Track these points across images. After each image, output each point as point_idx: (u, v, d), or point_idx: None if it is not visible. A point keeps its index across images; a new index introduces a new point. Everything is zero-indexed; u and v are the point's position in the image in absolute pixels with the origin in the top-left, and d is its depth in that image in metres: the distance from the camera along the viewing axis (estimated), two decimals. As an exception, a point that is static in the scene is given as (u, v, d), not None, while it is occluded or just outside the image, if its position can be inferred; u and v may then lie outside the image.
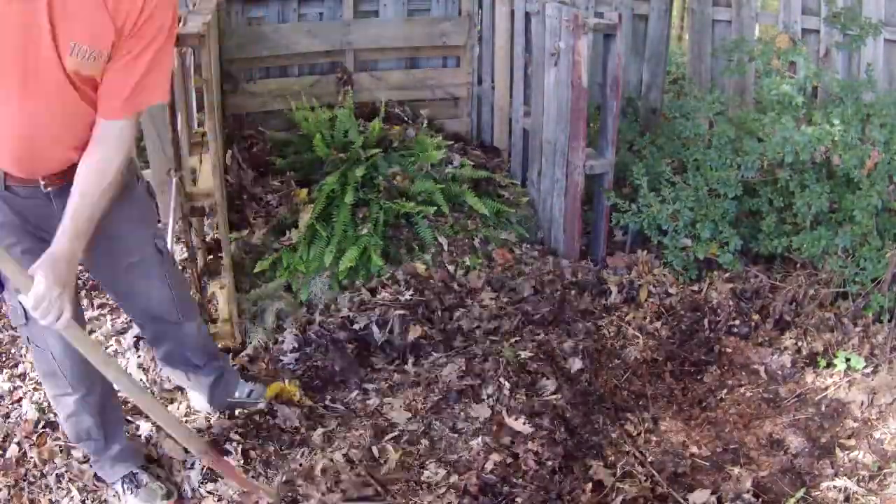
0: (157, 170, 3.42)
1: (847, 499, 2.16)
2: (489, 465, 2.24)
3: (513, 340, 2.80)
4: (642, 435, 2.42)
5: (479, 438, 2.34)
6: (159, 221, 2.23)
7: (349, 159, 3.25)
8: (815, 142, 2.82)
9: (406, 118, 3.74)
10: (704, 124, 3.28)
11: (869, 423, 2.42)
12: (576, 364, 2.67)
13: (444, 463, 2.27)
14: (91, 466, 2.21)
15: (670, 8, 4.00)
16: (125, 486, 2.13)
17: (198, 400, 2.46)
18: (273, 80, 3.68)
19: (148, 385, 2.56)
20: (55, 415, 2.43)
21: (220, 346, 2.70)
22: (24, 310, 1.75)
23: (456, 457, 2.29)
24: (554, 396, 2.51)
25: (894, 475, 2.20)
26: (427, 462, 2.27)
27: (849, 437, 2.39)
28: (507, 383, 2.54)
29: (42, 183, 1.75)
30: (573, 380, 2.62)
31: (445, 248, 3.15)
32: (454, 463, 2.27)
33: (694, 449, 2.37)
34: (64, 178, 1.73)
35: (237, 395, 2.43)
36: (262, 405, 2.42)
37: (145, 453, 2.26)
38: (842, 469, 2.27)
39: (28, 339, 1.94)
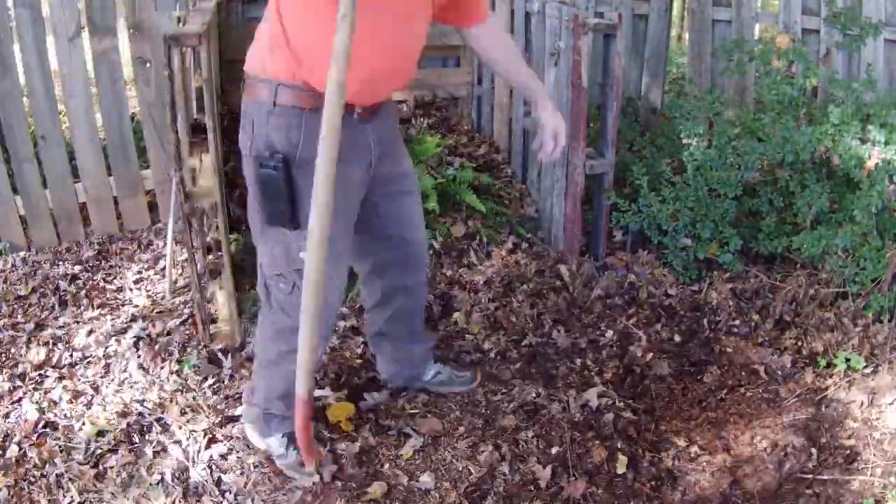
0: (156, 170, 3.42)
1: (849, 499, 2.16)
2: (503, 469, 2.24)
3: (512, 339, 2.80)
4: (642, 435, 2.42)
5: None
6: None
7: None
8: (815, 142, 2.82)
9: (406, 118, 3.74)
10: (704, 124, 3.28)
11: (869, 424, 2.42)
12: (576, 364, 2.68)
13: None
14: (242, 422, 2.32)
15: (670, 8, 4.01)
16: (289, 443, 2.16)
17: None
18: (273, 80, 3.67)
19: (147, 386, 2.56)
20: (61, 416, 2.44)
21: (219, 346, 2.71)
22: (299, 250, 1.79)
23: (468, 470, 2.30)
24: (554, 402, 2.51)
25: (895, 475, 2.20)
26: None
27: (849, 438, 2.39)
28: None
29: (358, 111, 1.85)
30: (574, 380, 2.63)
31: (440, 248, 3.15)
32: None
33: (695, 449, 2.36)
34: (375, 111, 1.89)
35: (426, 377, 2.49)
36: (444, 389, 2.49)
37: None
38: (841, 469, 2.27)
39: (296, 284, 1.87)
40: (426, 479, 2.19)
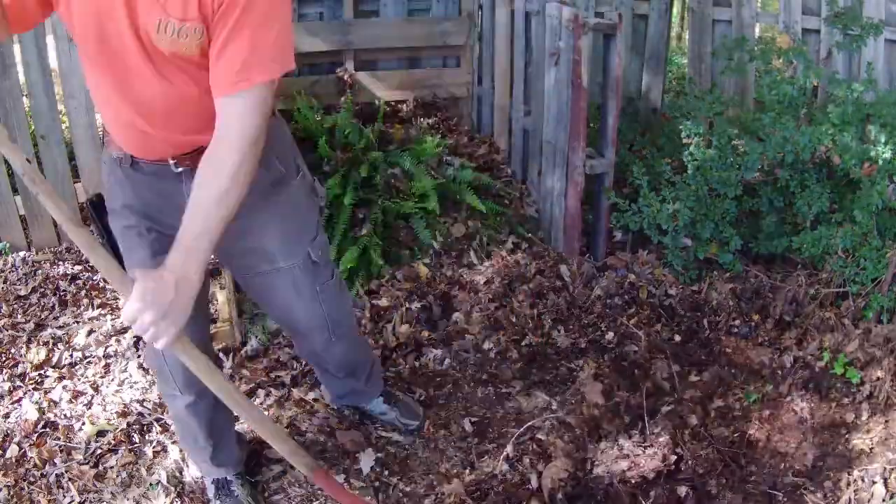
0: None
1: (849, 500, 2.16)
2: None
3: (513, 339, 2.80)
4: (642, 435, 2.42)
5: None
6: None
7: (350, 160, 3.24)
8: (815, 142, 2.82)
9: (406, 118, 3.74)
10: (704, 124, 3.28)
11: (870, 424, 2.42)
12: (576, 364, 2.68)
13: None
14: (183, 461, 2.24)
15: (670, 8, 4.01)
16: (217, 490, 2.09)
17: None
18: (273, 79, 3.67)
19: (147, 386, 2.56)
20: (61, 416, 2.44)
21: (219, 346, 2.71)
22: None
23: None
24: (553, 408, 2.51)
25: (895, 475, 2.20)
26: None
27: (849, 438, 2.39)
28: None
29: (172, 162, 1.60)
30: (573, 380, 2.63)
31: (440, 248, 3.15)
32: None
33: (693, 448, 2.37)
34: (197, 159, 1.46)
35: (370, 409, 2.40)
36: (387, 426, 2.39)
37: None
38: (842, 469, 2.27)
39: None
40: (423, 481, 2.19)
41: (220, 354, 2.67)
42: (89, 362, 2.69)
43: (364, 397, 2.38)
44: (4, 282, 3.16)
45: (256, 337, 2.76)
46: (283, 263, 1.82)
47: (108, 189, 1.74)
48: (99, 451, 2.30)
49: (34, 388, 2.58)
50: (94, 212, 1.82)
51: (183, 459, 2.26)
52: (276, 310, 1.97)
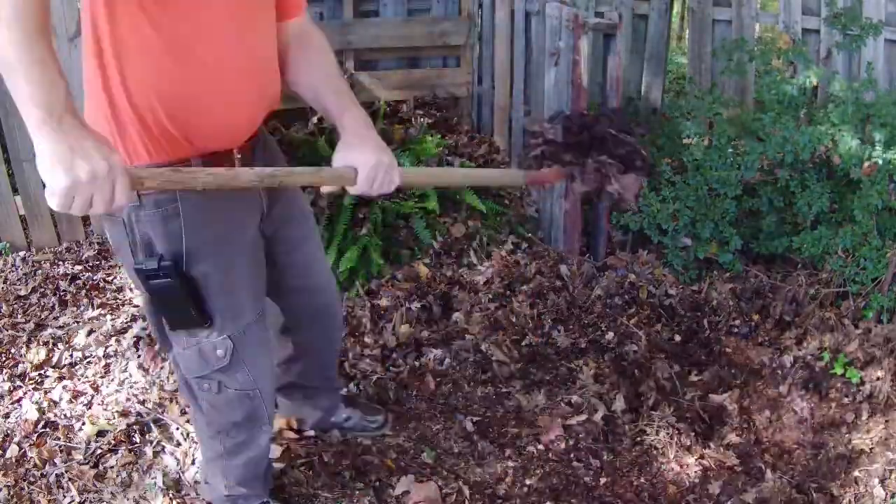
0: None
1: (849, 500, 2.16)
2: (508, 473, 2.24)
3: (512, 339, 2.80)
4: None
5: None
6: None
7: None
8: (815, 142, 2.82)
9: (406, 118, 3.74)
10: (704, 124, 3.28)
11: (870, 424, 2.42)
12: (576, 364, 2.68)
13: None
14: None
15: (670, 8, 4.01)
16: None
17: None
18: (273, 79, 3.67)
19: (147, 386, 2.56)
20: (61, 416, 2.44)
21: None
22: (225, 348, 1.59)
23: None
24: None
25: (895, 475, 2.21)
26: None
27: (849, 438, 2.39)
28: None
29: (237, 155, 1.50)
30: (574, 381, 2.63)
31: (440, 248, 3.15)
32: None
33: (694, 450, 2.37)
34: (250, 143, 1.53)
35: (337, 420, 2.31)
36: (355, 433, 2.33)
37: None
38: (842, 469, 2.27)
39: (221, 383, 1.66)
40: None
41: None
42: (89, 362, 2.69)
43: (334, 407, 2.29)
44: (4, 282, 3.16)
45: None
46: (312, 230, 1.89)
47: (184, 228, 1.48)
48: (99, 451, 2.29)
49: (34, 388, 2.57)
50: (168, 275, 1.49)
51: (187, 458, 2.26)
52: (316, 276, 1.94)
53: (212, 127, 1.42)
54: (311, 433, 2.32)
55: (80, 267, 3.25)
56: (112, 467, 2.24)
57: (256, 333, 1.68)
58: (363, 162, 1.49)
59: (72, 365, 2.69)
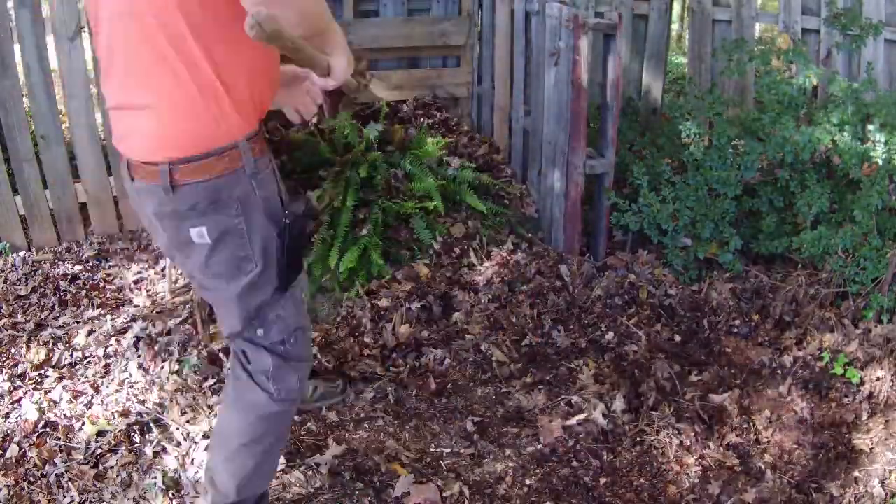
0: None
1: (849, 500, 2.16)
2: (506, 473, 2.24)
3: (513, 339, 2.80)
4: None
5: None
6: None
7: (350, 161, 3.24)
8: (815, 142, 2.82)
9: (406, 118, 3.74)
10: (704, 124, 3.28)
11: (870, 424, 2.42)
12: (576, 364, 2.68)
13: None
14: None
15: (670, 8, 4.01)
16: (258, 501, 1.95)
17: None
18: (273, 80, 3.67)
19: (147, 386, 2.56)
20: (61, 416, 2.44)
21: (219, 346, 2.71)
22: (302, 285, 1.75)
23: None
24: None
25: (895, 475, 2.21)
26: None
27: (849, 438, 2.39)
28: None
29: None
30: (574, 381, 2.63)
31: (440, 249, 3.16)
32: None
33: (694, 450, 2.37)
34: None
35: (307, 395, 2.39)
36: (323, 403, 2.43)
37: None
38: (842, 469, 2.27)
39: (300, 324, 1.78)
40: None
41: (220, 354, 2.68)
42: (89, 362, 2.69)
43: None
44: (4, 282, 3.16)
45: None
46: None
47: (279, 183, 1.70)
48: (99, 451, 2.30)
49: (34, 388, 2.58)
50: (297, 220, 1.68)
51: (187, 458, 2.26)
52: None
53: (270, 96, 1.68)
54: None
55: (80, 267, 3.26)
56: (112, 467, 2.24)
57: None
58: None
59: (72, 365, 2.69)
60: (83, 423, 2.40)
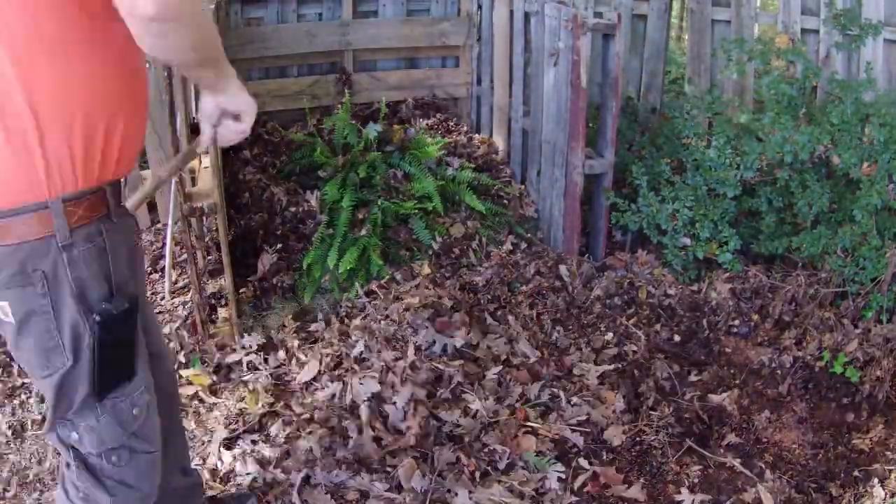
0: (156, 170, 3.42)
1: (849, 500, 2.16)
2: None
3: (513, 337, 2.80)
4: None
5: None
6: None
7: (349, 161, 3.24)
8: (815, 142, 2.82)
9: (405, 118, 3.74)
10: (704, 124, 3.28)
11: (870, 424, 2.42)
12: (575, 363, 2.67)
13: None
14: None
15: (670, 8, 4.01)
16: None
17: None
18: (272, 80, 3.68)
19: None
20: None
21: (220, 344, 2.71)
22: (142, 403, 1.43)
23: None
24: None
25: (895, 475, 2.20)
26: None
27: (849, 438, 2.39)
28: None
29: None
30: (574, 382, 2.63)
31: (439, 249, 3.15)
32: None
33: (694, 450, 2.36)
34: None
35: None
36: None
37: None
38: (842, 469, 2.27)
39: (133, 448, 1.44)
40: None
41: (220, 354, 2.67)
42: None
43: None
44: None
45: (257, 338, 2.76)
46: None
47: (111, 261, 1.35)
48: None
49: (35, 388, 2.57)
50: (122, 313, 1.34)
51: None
52: (161, 341, 1.75)
53: (127, 145, 1.38)
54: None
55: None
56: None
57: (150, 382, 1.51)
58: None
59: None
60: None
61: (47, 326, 1.29)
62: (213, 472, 2.21)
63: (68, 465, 1.44)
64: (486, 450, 2.29)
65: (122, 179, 1.37)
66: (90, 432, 1.39)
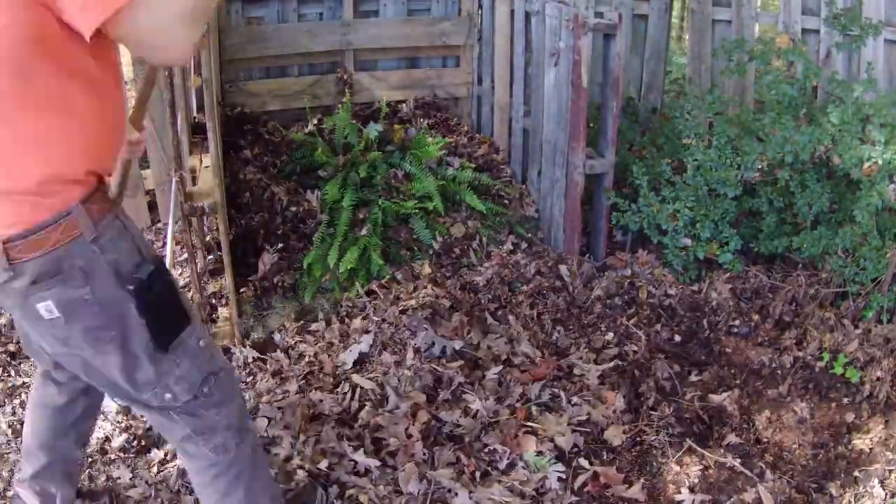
0: (156, 170, 3.42)
1: (849, 501, 2.16)
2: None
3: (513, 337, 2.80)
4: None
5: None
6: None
7: (350, 161, 3.25)
8: (815, 142, 2.82)
9: (406, 118, 3.74)
10: (704, 124, 3.28)
11: (870, 424, 2.42)
12: (575, 362, 2.68)
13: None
14: None
15: (670, 8, 4.01)
16: None
17: None
18: (273, 79, 3.68)
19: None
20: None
21: (219, 346, 2.71)
22: (206, 337, 1.59)
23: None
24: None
25: (894, 475, 2.21)
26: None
27: (849, 438, 2.39)
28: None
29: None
30: (574, 380, 2.63)
31: (439, 249, 3.16)
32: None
33: (694, 450, 2.37)
34: None
35: None
36: None
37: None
38: (842, 469, 2.27)
39: (215, 373, 1.61)
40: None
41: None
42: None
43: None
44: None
45: (258, 338, 2.76)
46: None
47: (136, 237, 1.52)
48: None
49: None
50: (154, 278, 1.49)
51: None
52: None
53: (112, 147, 1.50)
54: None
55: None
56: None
57: None
58: None
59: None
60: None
61: (91, 310, 1.43)
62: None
63: (182, 437, 1.63)
64: (486, 450, 2.30)
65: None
66: (179, 382, 1.55)
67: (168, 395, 1.55)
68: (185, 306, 1.56)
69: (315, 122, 3.55)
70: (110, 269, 1.43)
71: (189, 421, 1.61)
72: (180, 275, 3.15)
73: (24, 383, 2.59)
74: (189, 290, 2.86)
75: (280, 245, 3.06)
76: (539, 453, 2.28)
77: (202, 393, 1.60)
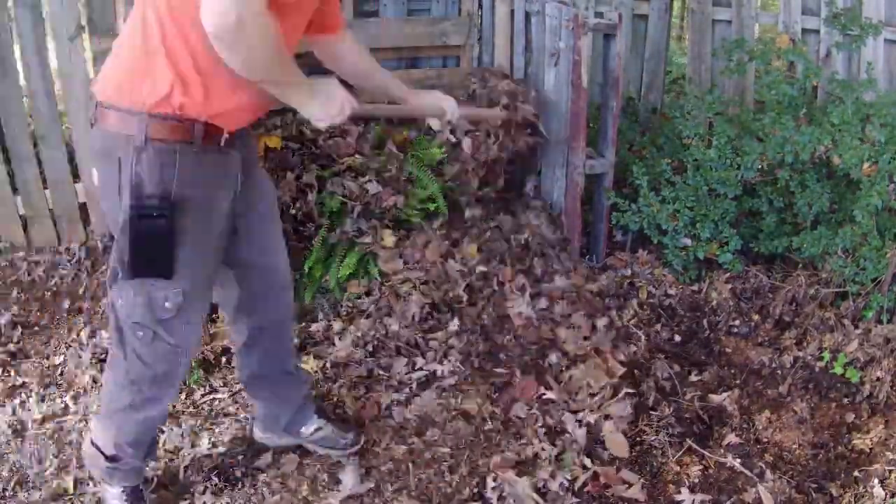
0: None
1: (849, 501, 2.16)
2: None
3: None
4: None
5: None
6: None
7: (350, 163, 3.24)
8: (815, 142, 2.82)
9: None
10: (704, 124, 3.28)
11: (870, 424, 2.42)
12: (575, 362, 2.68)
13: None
14: (88, 467, 2.08)
15: (670, 8, 4.01)
16: (129, 497, 1.99)
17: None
18: (273, 80, 3.67)
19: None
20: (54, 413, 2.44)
21: (219, 346, 2.71)
22: (175, 302, 1.70)
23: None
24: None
25: (895, 475, 2.21)
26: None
27: (849, 438, 2.39)
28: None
29: (225, 136, 1.73)
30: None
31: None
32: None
33: (694, 450, 2.37)
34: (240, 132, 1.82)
35: (305, 428, 2.25)
36: (322, 449, 2.25)
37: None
38: (842, 469, 2.27)
39: (157, 334, 1.74)
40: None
41: (220, 354, 2.68)
42: (90, 362, 2.69)
43: (309, 403, 2.27)
44: (3, 282, 3.15)
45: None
46: (275, 212, 2.05)
47: (176, 179, 1.63)
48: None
49: (35, 389, 2.58)
50: (164, 216, 1.63)
51: (186, 457, 2.26)
52: (274, 255, 2.03)
53: (244, 100, 1.77)
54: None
55: (79, 267, 3.25)
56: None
57: (203, 298, 1.83)
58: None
59: (74, 367, 2.69)
60: (84, 423, 2.40)
61: (114, 200, 1.63)
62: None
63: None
64: (486, 450, 2.30)
65: (225, 130, 1.69)
66: (125, 302, 1.71)
67: (119, 302, 1.72)
68: (175, 264, 1.66)
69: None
70: (133, 178, 1.59)
71: (114, 331, 1.79)
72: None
73: (24, 383, 2.60)
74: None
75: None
76: (539, 453, 2.28)
77: (134, 332, 1.74)
